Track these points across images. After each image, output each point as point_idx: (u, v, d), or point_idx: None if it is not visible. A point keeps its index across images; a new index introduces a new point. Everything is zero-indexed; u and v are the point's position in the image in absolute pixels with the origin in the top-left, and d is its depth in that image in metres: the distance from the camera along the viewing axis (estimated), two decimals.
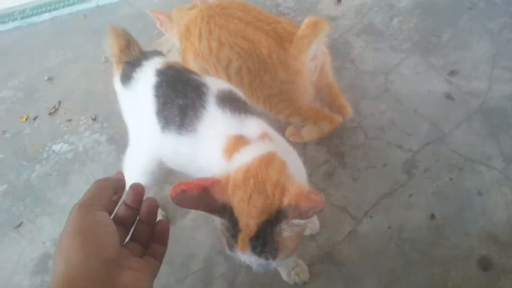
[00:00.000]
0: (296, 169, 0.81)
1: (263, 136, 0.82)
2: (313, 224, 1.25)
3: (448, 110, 1.45)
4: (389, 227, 1.24)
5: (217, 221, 0.73)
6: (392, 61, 1.63)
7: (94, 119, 1.85)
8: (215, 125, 0.86)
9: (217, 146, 0.83)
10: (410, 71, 1.59)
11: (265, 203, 0.68)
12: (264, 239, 0.69)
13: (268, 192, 0.69)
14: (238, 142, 0.80)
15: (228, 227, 0.71)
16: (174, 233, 1.26)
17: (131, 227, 0.68)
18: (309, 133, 1.40)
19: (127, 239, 0.67)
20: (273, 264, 0.75)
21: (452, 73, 1.53)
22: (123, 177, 0.70)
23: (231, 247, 0.73)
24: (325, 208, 1.28)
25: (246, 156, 0.75)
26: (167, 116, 0.91)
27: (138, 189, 0.68)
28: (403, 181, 1.32)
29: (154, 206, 0.68)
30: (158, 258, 0.66)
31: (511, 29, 1.61)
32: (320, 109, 1.35)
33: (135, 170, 1.08)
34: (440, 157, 1.34)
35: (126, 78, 1.00)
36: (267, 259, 0.72)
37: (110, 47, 1.10)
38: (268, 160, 0.73)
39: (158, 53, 1.06)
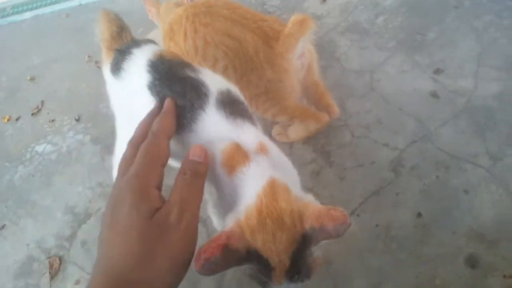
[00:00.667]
0: (292, 179, 0.79)
1: (261, 148, 0.79)
2: None
3: (434, 109, 1.45)
4: (377, 225, 1.24)
5: (243, 268, 0.69)
6: (378, 60, 1.64)
7: (77, 120, 1.83)
8: (212, 129, 0.81)
9: (213, 151, 0.79)
10: (396, 70, 1.59)
11: (290, 236, 0.66)
12: (298, 267, 0.68)
13: (288, 224, 0.66)
14: (236, 154, 0.76)
15: (259, 269, 0.68)
16: None
17: None
18: (295, 132, 1.40)
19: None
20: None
21: (438, 71, 1.54)
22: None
23: (265, 285, 0.71)
24: None
25: (250, 188, 0.72)
26: None
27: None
28: (390, 179, 1.32)
29: None
30: None
31: (496, 27, 1.62)
32: (307, 108, 1.34)
33: None
34: (427, 155, 1.35)
35: (116, 67, 0.94)
36: (303, 281, 0.70)
37: (101, 31, 1.03)
38: (272, 190, 0.70)
39: (150, 41, 1.00)
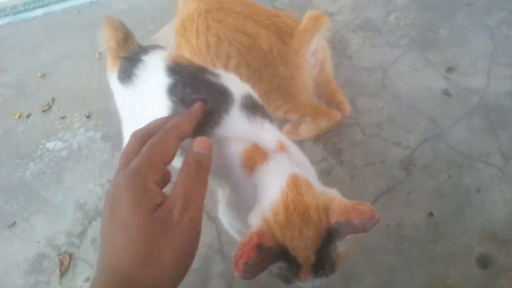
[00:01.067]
0: (310, 174, 0.79)
1: (280, 147, 0.78)
2: None
3: (446, 107, 1.44)
4: (388, 225, 1.23)
5: (270, 267, 0.69)
6: (390, 58, 1.63)
7: (88, 117, 1.83)
8: (234, 132, 0.80)
9: (232, 154, 0.78)
10: (408, 68, 1.58)
11: (316, 231, 0.66)
12: (323, 262, 0.67)
13: (315, 219, 0.66)
14: (256, 155, 0.76)
15: (288, 267, 0.67)
16: None
17: None
18: (306, 130, 1.39)
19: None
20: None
21: (450, 69, 1.53)
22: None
23: (290, 281, 0.70)
24: None
25: (273, 185, 0.71)
26: None
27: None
28: (401, 178, 1.31)
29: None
30: None
31: (509, 24, 1.61)
32: (318, 105, 1.34)
33: None
34: (439, 154, 1.33)
35: (126, 75, 0.92)
36: (328, 276, 0.70)
37: (106, 40, 1.02)
38: (296, 186, 0.69)
39: (157, 47, 0.98)
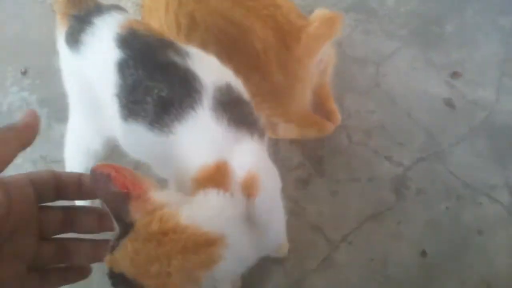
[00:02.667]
0: (265, 245, 0.67)
1: (248, 185, 0.60)
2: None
3: (447, 120, 1.25)
4: (372, 259, 1.05)
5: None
6: (386, 50, 1.40)
7: (24, 73, 1.50)
8: (201, 136, 0.64)
9: (192, 161, 0.63)
10: (406, 65, 1.36)
11: None
12: None
13: None
14: (213, 178, 0.60)
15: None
16: None
17: None
18: (287, 131, 1.15)
19: None
20: None
21: (455, 75, 1.33)
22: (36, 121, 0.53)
23: None
24: (297, 225, 1.11)
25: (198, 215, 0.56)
26: (135, 105, 0.66)
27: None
28: (391, 202, 1.13)
29: None
30: None
31: None
32: (309, 114, 1.10)
33: (76, 151, 0.92)
34: (436, 179, 1.15)
35: (73, 39, 0.73)
36: None
37: None
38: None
39: (115, 7, 0.78)
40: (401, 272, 1.03)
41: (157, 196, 0.54)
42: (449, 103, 1.28)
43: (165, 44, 0.68)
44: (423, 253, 1.05)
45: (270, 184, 0.65)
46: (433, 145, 1.21)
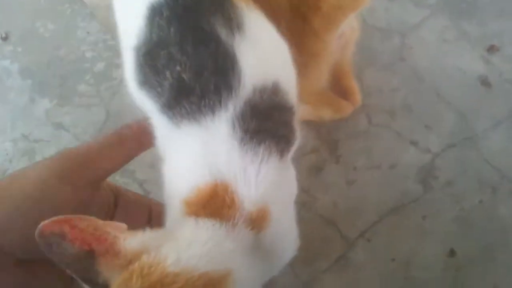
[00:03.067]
0: None
1: (256, 223, 0.47)
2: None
3: (483, 101, 1.12)
4: (393, 260, 0.96)
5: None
6: (412, 19, 1.26)
7: (4, 38, 1.38)
8: (207, 148, 0.48)
9: (187, 177, 0.48)
10: (435, 37, 1.23)
11: None
12: None
13: None
14: (211, 203, 0.46)
15: None
16: None
17: None
18: (302, 113, 1.04)
19: None
20: None
21: (492, 49, 1.19)
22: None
23: None
24: (308, 218, 1.01)
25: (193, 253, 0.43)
26: (152, 74, 0.50)
27: None
28: (416, 194, 1.02)
29: None
30: None
31: None
32: (325, 93, 0.98)
33: None
34: (469, 168, 1.04)
35: None
36: None
37: None
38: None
39: None
40: (426, 274, 0.95)
41: (130, 243, 0.43)
42: (484, 82, 1.15)
43: (217, 5, 0.50)
44: (452, 253, 0.96)
45: (285, 216, 0.52)
46: (466, 129, 1.10)
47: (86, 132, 1.13)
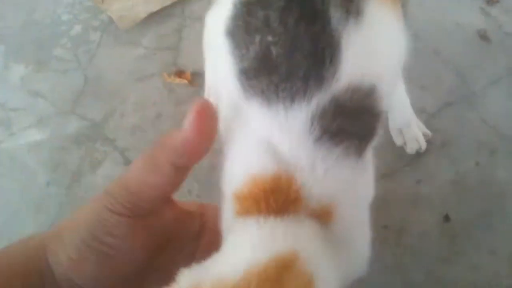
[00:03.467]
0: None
1: (322, 215, 0.41)
2: None
3: (481, 57, 1.08)
4: (385, 226, 0.93)
5: None
6: None
7: None
8: (278, 133, 0.41)
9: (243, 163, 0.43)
10: None
11: None
12: None
13: None
14: (274, 194, 0.39)
15: None
16: None
17: None
18: None
19: None
20: None
21: (491, 1, 1.15)
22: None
23: None
24: None
25: (245, 257, 0.36)
26: (242, 29, 0.44)
27: None
28: (410, 157, 0.98)
29: None
30: None
31: None
32: None
33: None
34: (465, 128, 1.00)
35: None
36: None
37: None
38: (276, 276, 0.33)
39: None
40: (420, 241, 0.92)
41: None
42: (483, 36, 1.11)
43: None
44: (446, 218, 0.93)
45: (354, 219, 0.45)
46: (463, 88, 1.06)
47: (64, 99, 1.09)
